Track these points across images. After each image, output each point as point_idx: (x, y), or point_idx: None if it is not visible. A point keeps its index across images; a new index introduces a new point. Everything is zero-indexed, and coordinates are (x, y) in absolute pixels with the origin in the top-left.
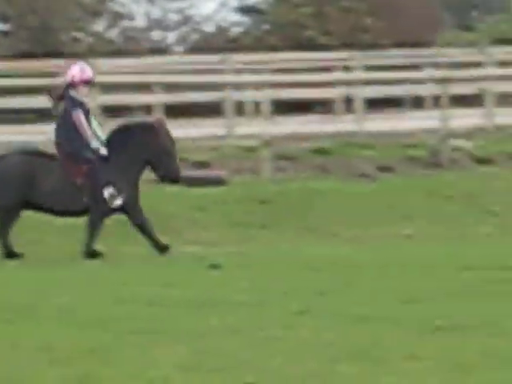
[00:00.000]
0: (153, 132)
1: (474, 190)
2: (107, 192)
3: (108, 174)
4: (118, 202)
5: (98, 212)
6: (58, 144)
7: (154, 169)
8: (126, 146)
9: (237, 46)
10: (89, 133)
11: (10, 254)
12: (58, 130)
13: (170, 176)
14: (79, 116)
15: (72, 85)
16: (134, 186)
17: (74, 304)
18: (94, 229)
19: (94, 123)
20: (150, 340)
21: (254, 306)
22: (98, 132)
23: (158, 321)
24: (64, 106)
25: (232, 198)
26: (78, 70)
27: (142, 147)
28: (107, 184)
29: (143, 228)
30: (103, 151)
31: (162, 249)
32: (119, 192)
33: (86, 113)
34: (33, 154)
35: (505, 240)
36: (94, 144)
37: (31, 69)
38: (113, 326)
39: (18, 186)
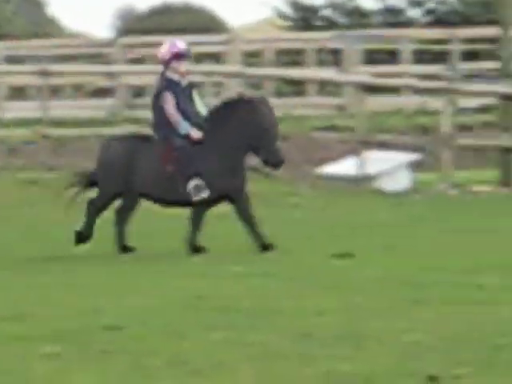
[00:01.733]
0: (253, 110)
1: None
2: (192, 183)
3: (200, 162)
4: (203, 195)
5: (195, 204)
6: (152, 128)
7: (256, 152)
8: (223, 127)
9: None
10: (176, 117)
11: (125, 248)
12: (152, 113)
13: (271, 160)
14: (167, 98)
15: (165, 64)
16: (237, 173)
17: None
18: (194, 221)
19: (198, 102)
20: None
21: None
22: (200, 111)
23: None
24: (157, 87)
25: None
26: (167, 47)
27: (241, 128)
28: (194, 174)
29: (248, 221)
30: (196, 134)
31: (265, 246)
32: (208, 184)
33: (183, 92)
34: (135, 138)
35: None
36: (183, 128)
37: None
38: None
39: (120, 173)
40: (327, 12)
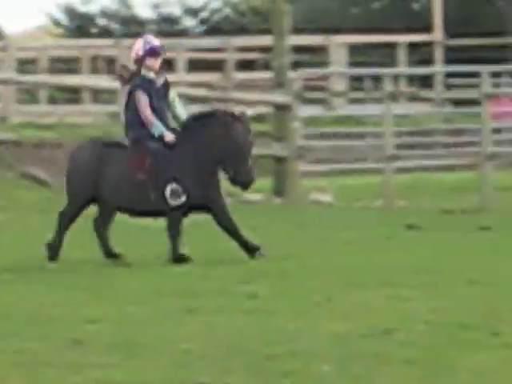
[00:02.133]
0: (227, 125)
1: None
2: (169, 188)
3: (175, 167)
4: (181, 200)
5: (172, 211)
6: (124, 128)
7: (224, 169)
8: (198, 137)
9: None
10: (150, 117)
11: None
12: (125, 113)
13: (239, 179)
14: (140, 97)
15: (139, 61)
16: (211, 182)
17: None
18: (173, 231)
19: (177, 103)
20: None
21: None
22: (180, 113)
23: None
24: (130, 86)
25: None
26: (141, 44)
27: (213, 141)
28: (171, 179)
29: (229, 229)
30: (169, 137)
31: (252, 250)
32: (185, 189)
33: (158, 91)
34: (104, 143)
35: None
36: (157, 129)
37: None
38: None
39: (87, 180)
40: (103, 20)
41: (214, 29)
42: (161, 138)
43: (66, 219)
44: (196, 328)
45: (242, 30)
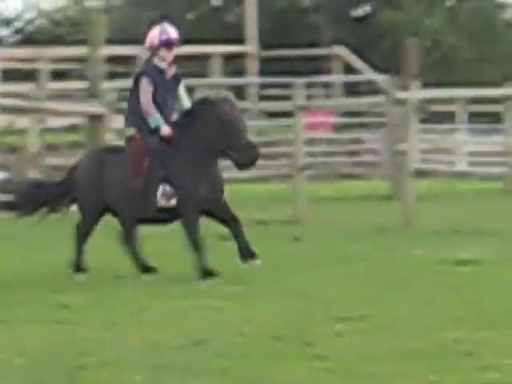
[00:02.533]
0: (215, 108)
1: None
2: (161, 189)
3: (170, 165)
4: (171, 203)
5: (186, 214)
6: (124, 117)
7: (226, 154)
8: (190, 127)
9: None
10: (149, 107)
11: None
12: (128, 101)
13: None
14: (144, 84)
15: (152, 50)
16: (203, 179)
17: None
18: (192, 239)
19: (184, 98)
20: None
21: None
22: (185, 107)
23: None
24: (138, 72)
25: None
26: (157, 32)
27: (205, 128)
28: (164, 179)
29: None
30: (165, 131)
31: (251, 254)
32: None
33: (165, 83)
34: (104, 149)
35: None
36: (154, 121)
37: None
38: None
39: (94, 187)
40: None
41: (28, 39)
42: (157, 131)
43: (83, 231)
44: (6, 338)
45: (56, 40)
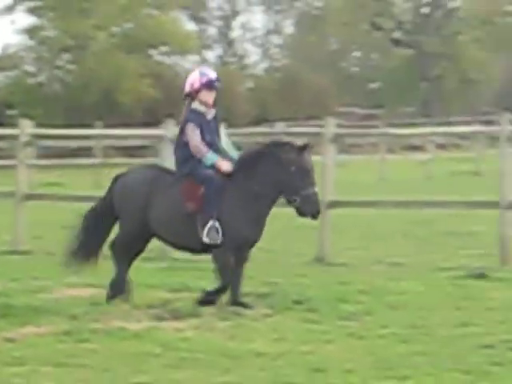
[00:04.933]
0: (293, 154)
1: None
2: (210, 224)
3: (226, 202)
4: (217, 240)
5: (223, 253)
6: (176, 165)
7: (289, 200)
8: (256, 168)
9: None
10: (202, 148)
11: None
12: (176, 150)
13: (307, 209)
14: (191, 129)
15: (192, 95)
16: (258, 224)
17: None
18: (222, 272)
19: (223, 137)
20: None
21: None
22: (227, 148)
23: None
24: (182, 120)
25: None
26: (197, 75)
27: (275, 171)
28: (215, 215)
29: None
30: (225, 166)
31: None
32: (236, 228)
33: (208, 124)
34: (156, 169)
35: None
36: (209, 159)
37: None
38: None
39: (138, 209)
40: None
41: None
42: (214, 167)
43: (122, 251)
44: None
45: None
